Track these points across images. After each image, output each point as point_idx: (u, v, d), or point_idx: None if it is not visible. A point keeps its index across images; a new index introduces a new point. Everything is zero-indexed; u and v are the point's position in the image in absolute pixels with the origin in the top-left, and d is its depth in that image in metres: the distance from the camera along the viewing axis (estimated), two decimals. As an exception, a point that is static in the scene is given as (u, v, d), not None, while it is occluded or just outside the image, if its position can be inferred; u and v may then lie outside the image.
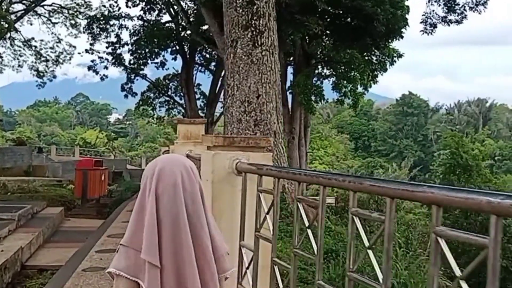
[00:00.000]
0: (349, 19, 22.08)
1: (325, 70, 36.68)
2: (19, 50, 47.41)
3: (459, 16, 25.40)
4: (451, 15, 25.41)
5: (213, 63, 43.17)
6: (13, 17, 43.22)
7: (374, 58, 33.29)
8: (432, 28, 25.49)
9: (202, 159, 4.34)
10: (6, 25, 41.13)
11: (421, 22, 25.30)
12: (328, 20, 22.41)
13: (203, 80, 45.12)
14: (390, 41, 23.94)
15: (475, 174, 32.03)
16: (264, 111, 14.05)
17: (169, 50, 42.91)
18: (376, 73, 33.84)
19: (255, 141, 4.24)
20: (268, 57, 14.35)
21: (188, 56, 41.76)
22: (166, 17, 41.42)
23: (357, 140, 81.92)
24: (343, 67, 34.14)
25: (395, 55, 32.96)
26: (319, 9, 22.14)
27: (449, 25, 25.35)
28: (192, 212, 2.27)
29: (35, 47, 48.01)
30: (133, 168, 50.33)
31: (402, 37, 23.64)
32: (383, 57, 32.89)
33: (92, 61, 43.16)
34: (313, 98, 36.75)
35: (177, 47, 42.11)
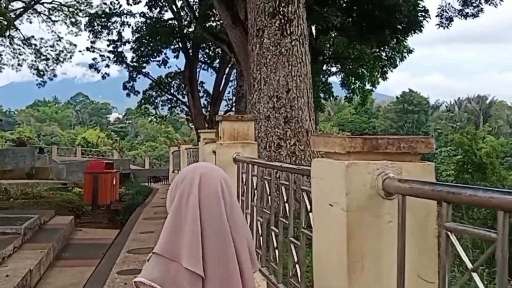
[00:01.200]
0: (369, 10, 20.32)
1: (332, 67, 35.19)
2: (19, 49, 46.22)
3: (475, 9, 23.77)
4: (467, 8, 23.79)
5: (217, 61, 41.69)
6: (12, 15, 41.66)
7: (384, 54, 31.94)
8: (448, 22, 23.80)
9: (318, 172, 2.64)
10: (5, 23, 39.61)
11: (436, 16, 23.61)
12: (347, 11, 20.64)
13: (206, 78, 43.73)
14: (410, 34, 22.13)
15: (489, 172, 30.51)
16: (295, 107, 12.41)
17: (171, 48, 41.70)
18: (385, 69, 32.48)
19: (410, 144, 2.42)
20: (298, 48, 12.72)
21: (191, 54, 40.34)
22: (168, 15, 40.13)
23: (357, 138, 79.46)
24: (351, 64, 32.74)
25: (405, 50, 31.53)
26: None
27: (466, 18, 23.70)
28: (232, 224, 2.06)
29: (35, 45, 46.74)
30: (136, 168, 48.57)
31: (421, 30, 21.90)
32: (393, 53, 31.48)
33: (94, 59, 41.72)
34: (321, 95, 35.54)
35: (180, 45, 40.80)
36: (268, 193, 4.71)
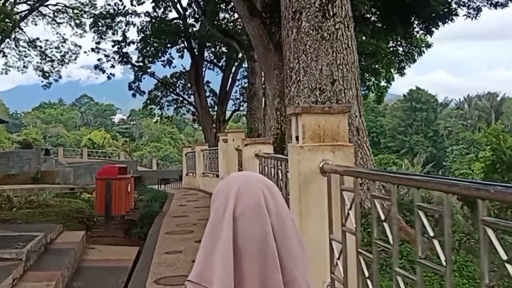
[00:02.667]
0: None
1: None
2: (24, 51, 45.11)
3: (505, -1, 21.41)
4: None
5: (223, 59, 39.89)
6: (17, 17, 40.13)
7: (401, 49, 29.86)
8: (476, 12, 21.43)
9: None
10: (11, 25, 37.95)
11: (463, 5, 21.29)
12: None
13: (212, 77, 42.09)
14: (442, 24, 19.71)
15: (514, 168, 28.49)
16: (342, 101, 10.22)
17: (176, 47, 40.14)
18: (403, 64, 30.35)
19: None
20: (343, 31, 10.54)
21: (196, 53, 38.64)
22: (173, 14, 38.63)
23: (364, 137, 77.58)
24: (366, 60, 30.64)
25: (423, 45, 29.40)
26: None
27: (496, 8, 21.30)
28: (279, 238, 1.64)
29: (40, 47, 45.56)
30: (144, 170, 46.28)
31: (453, 19, 19.56)
32: (411, 47, 29.36)
33: (99, 59, 40.00)
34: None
35: (185, 44, 39.07)
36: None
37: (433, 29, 19.83)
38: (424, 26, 19.57)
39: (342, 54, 10.42)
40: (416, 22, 19.32)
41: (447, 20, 19.46)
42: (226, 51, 38.87)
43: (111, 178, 12.09)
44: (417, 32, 20.04)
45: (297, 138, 4.78)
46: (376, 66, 30.73)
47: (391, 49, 29.53)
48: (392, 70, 30.62)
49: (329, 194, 4.39)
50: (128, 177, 12.89)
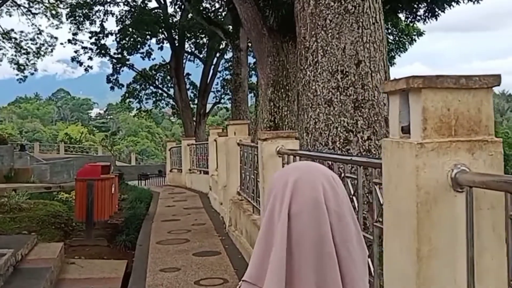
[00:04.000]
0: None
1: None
2: None
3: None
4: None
5: (204, 51, 37.96)
6: (-10, 8, 37.52)
7: (391, 38, 28.09)
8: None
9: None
10: (-17, 15, 35.46)
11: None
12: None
13: (192, 70, 40.22)
14: (447, 6, 17.52)
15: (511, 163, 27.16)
16: (368, 86, 8.29)
17: (155, 39, 38.15)
18: (393, 54, 28.60)
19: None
20: (370, 3, 8.62)
21: (177, 44, 36.63)
22: (152, 4, 36.77)
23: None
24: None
25: (414, 33, 27.71)
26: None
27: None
28: (339, 238, 1.40)
29: (15, 39, 42.76)
30: (123, 165, 43.83)
31: (458, 2, 17.41)
32: (402, 36, 27.66)
33: (76, 51, 37.55)
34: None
35: (165, 34, 37.00)
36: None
37: (439, 11, 17.79)
38: (429, 8, 17.53)
39: (369, 30, 8.47)
40: (422, 3, 17.33)
41: (453, 2, 17.44)
42: (207, 42, 36.98)
43: (93, 179, 10.02)
44: (421, 16, 18.13)
45: (403, 129, 2.83)
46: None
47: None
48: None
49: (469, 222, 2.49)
50: (112, 176, 10.82)
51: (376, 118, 8.29)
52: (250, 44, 29.72)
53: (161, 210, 12.84)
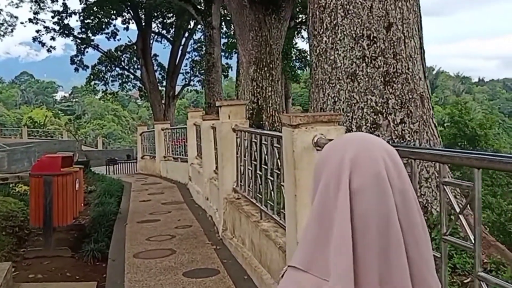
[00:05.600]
0: None
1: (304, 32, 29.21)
2: None
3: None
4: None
5: (172, 31, 35.70)
6: None
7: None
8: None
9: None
10: None
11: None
12: None
13: (160, 50, 38.07)
14: None
15: (483, 144, 25.70)
16: (401, 55, 6.35)
17: (120, 20, 35.93)
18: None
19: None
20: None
21: (144, 24, 34.34)
22: None
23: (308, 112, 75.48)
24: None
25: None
26: None
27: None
28: (405, 223, 1.15)
29: None
30: (89, 150, 41.02)
31: None
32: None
33: (37, 31, 34.62)
34: (297, 64, 29.77)
35: (131, 14, 34.56)
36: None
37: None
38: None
39: (401, -16, 6.51)
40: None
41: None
42: (175, 21, 34.73)
43: (51, 174, 7.81)
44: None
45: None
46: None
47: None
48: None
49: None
50: (76, 170, 8.59)
51: (410, 96, 6.39)
52: (223, 21, 27.71)
53: (135, 206, 10.69)
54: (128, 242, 7.56)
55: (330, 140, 3.98)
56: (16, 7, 39.28)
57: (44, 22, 34.75)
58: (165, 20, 35.96)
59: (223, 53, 28.98)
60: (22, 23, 36.87)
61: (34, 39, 35.67)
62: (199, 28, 33.72)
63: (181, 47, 35.64)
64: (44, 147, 29.45)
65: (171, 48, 35.73)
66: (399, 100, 6.33)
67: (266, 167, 5.93)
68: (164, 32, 36.77)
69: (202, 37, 34.70)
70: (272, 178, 5.66)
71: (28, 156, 20.99)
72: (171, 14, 34.60)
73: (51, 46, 36.17)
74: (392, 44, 6.38)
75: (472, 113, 31.44)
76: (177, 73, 36.08)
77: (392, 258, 1.12)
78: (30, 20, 34.93)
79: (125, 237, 7.93)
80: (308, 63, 29.47)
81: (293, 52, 28.16)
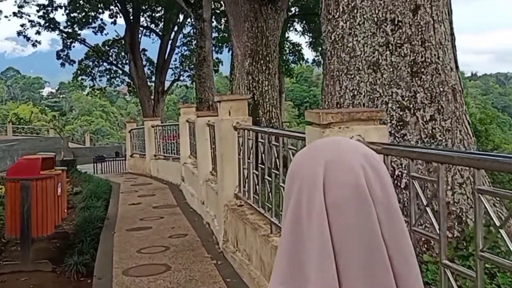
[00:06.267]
0: None
1: (297, 25, 28.35)
2: None
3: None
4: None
5: (161, 25, 34.73)
6: None
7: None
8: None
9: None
10: None
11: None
12: None
13: (148, 45, 37.08)
14: None
15: (484, 140, 24.97)
16: (430, 42, 5.47)
17: (108, 13, 34.87)
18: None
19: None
20: None
21: (132, 18, 33.29)
22: None
23: (299, 107, 74.98)
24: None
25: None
26: None
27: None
28: (389, 238, 1.02)
29: None
30: (77, 147, 39.82)
31: None
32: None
33: (22, 25, 33.46)
34: (290, 58, 28.90)
35: (119, 7, 33.49)
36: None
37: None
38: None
39: (429, -41, 5.63)
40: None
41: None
42: (164, 14, 33.72)
43: (29, 178, 6.85)
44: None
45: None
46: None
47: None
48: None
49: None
50: (58, 172, 7.64)
51: (441, 89, 5.51)
52: (213, 15, 26.74)
53: (124, 211, 9.75)
54: (116, 255, 6.63)
55: (372, 143, 3.12)
56: (0, 1, 38.15)
57: (29, 16, 33.59)
58: (153, 14, 34.91)
59: (213, 48, 28.07)
60: (6, 17, 35.63)
61: (19, 33, 34.50)
62: (189, 22, 32.90)
63: (170, 42, 34.66)
64: (29, 144, 28.34)
65: (160, 43, 34.81)
66: (429, 94, 5.46)
67: (277, 172, 5.05)
68: (152, 26, 35.82)
69: (191, 31, 34.01)
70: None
71: (10, 155, 19.93)
72: (160, 8, 33.55)
73: (36, 41, 34.97)
74: (419, 30, 5.51)
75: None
76: (166, 68, 35.13)
77: (378, 276, 0.98)
78: (14, 14, 33.75)
79: (113, 248, 7.00)
80: (301, 56, 28.68)
81: (287, 46, 27.22)
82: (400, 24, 5.51)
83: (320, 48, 27.93)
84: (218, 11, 27.47)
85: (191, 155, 11.13)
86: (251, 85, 13.39)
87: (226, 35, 29.73)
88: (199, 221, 8.33)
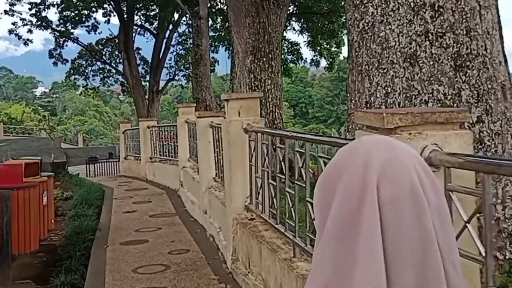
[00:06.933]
0: None
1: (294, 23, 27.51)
2: None
3: None
4: None
5: (155, 23, 33.90)
6: None
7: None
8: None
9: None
10: None
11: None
12: None
13: (142, 44, 36.24)
14: None
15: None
16: (476, 31, 4.63)
17: (101, 12, 34.16)
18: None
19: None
20: None
21: (126, 16, 32.48)
22: None
23: (294, 107, 74.52)
24: (321, 20, 25.46)
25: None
26: None
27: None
28: (443, 245, 0.94)
29: None
30: (69, 147, 38.74)
31: None
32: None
33: (14, 23, 32.54)
34: (289, 58, 28.07)
35: (113, 5, 32.64)
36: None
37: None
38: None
39: None
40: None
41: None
42: (159, 12, 32.89)
43: (9, 187, 5.95)
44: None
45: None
46: (332, 27, 25.59)
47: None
48: (342, 33, 25.74)
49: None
50: (44, 179, 6.75)
51: (489, 86, 4.67)
52: (209, 13, 25.89)
53: (117, 220, 8.85)
54: (109, 275, 5.75)
55: (453, 154, 2.29)
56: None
57: (21, 14, 32.65)
58: (148, 12, 34.01)
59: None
60: (-3, 14, 34.69)
61: (10, 31, 33.54)
62: (184, 21, 32.11)
63: (165, 40, 33.76)
64: (20, 145, 27.35)
65: (154, 41, 33.99)
66: (475, 91, 4.63)
67: (302, 184, 4.20)
68: (147, 24, 34.88)
69: (187, 29, 33.25)
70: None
71: (-1, 156, 19.00)
72: (155, 6, 32.72)
73: (28, 39, 33.91)
74: (463, 16, 4.67)
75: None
76: (161, 67, 34.27)
77: (429, 281, 0.90)
78: (5, 12, 32.82)
79: (105, 267, 6.11)
80: (300, 56, 27.87)
81: (285, 45, 26.41)
82: (441, 10, 4.67)
83: (318, 48, 27.17)
84: (214, 10, 26.63)
85: (191, 158, 10.27)
86: (253, 84, 12.67)
87: (222, 34, 28.95)
88: (201, 233, 7.46)
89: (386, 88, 4.80)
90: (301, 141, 4.26)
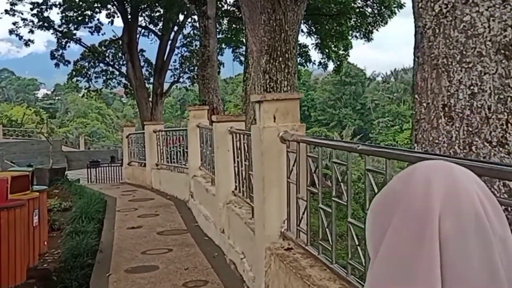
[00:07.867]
0: None
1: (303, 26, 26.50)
2: None
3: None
4: None
5: (160, 25, 33.04)
6: None
7: (369, 10, 24.21)
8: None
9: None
10: None
11: None
12: None
13: (146, 45, 35.46)
14: None
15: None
16: None
17: (105, 13, 32.76)
18: (370, 28, 24.67)
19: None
20: None
21: (130, 17, 31.56)
22: None
23: (297, 111, 74.42)
24: (330, 22, 24.55)
25: (394, 5, 23.79)
26: None
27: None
28: (508, 279, 0.84)
29: None
30: (70, 151, 37.58)
31: None
32: (382, 8, 23.79)
33: (14, 23, 31.62)
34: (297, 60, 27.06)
35: (117, 6, 31.75)
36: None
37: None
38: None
39: None
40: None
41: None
42: (163, 14, 31.96)
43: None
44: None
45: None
46: (341, 29, 24.67)
47: (358, 10, 24.02)
48: (362, 32, 24.95)
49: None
50: (35, 195, 5.61)
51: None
52: (216, 12, 24.85)
53: (121, 239, 7.70)
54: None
55: None
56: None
57: (22, 14, 31.72)
58: (152, 13, 33.09)
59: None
60: (-1, 16, 33.77)
61: (11, 31, 32.59)
62: (189, 22, 31.14)
63: (169, 42, 32.78)
64: (20, 148, 26.32)
65: (159, 43, 33.01)
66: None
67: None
68: (151, 26, 33.93)
69: (192, 31, 32.31)
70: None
71: (-5, 161, 17.81)
72: (160, 7, 31.79)
73: (29, 40, 32.97)
74: None
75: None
76: (165, 70, 33.37)
77: None
78: (6, 12, 31.90)
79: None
80: (308, 58, 26.82)
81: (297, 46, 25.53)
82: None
83: (326, 50, 26.14)
84: (220, 11, 25.65)
85: (202, 167, 9.15)
86: (268, 85, 11.66)
87: (229, 35, 27.97)
88: (220, 258, 6.32)
89: (471, 87, 3.65)
90: (375, 156, 3.14)
